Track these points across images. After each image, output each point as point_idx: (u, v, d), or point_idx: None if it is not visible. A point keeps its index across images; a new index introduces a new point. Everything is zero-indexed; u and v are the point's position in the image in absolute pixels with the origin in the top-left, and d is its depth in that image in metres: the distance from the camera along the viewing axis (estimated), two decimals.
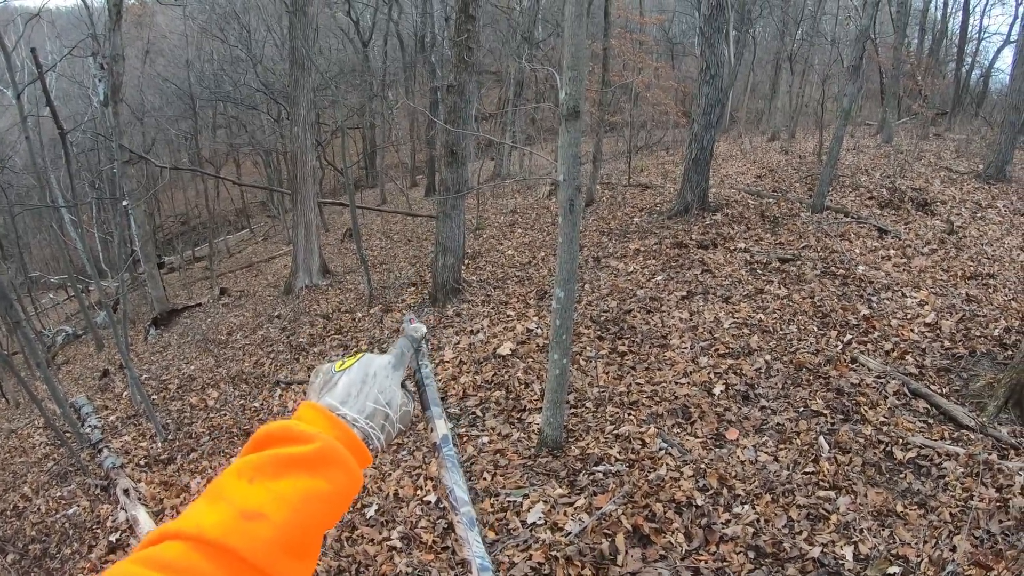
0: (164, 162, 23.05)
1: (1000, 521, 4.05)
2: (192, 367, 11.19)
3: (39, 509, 7.62)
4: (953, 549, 3.88)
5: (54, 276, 25.77)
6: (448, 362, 7.67)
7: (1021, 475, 4.40)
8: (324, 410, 0.87)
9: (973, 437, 4.99)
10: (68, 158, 9.74)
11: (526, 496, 4.76)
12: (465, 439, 5.93)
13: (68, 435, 8.51)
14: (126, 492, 6.22)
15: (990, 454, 4.72)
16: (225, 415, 8.59)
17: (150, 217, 25.63)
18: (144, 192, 19.20)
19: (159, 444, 8.18)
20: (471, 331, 8.44)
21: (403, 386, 0.98)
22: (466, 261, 11.41)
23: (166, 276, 22.41)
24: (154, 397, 9.98)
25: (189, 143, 33.00)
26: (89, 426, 8.28)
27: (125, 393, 10.55)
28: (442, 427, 1.09)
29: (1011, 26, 26.13)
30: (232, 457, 6.77)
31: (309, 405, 0.88)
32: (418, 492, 5.23)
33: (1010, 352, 6.11)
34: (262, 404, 8.41)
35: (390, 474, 5.60)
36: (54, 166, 21.97)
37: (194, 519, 0.68)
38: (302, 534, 0.71)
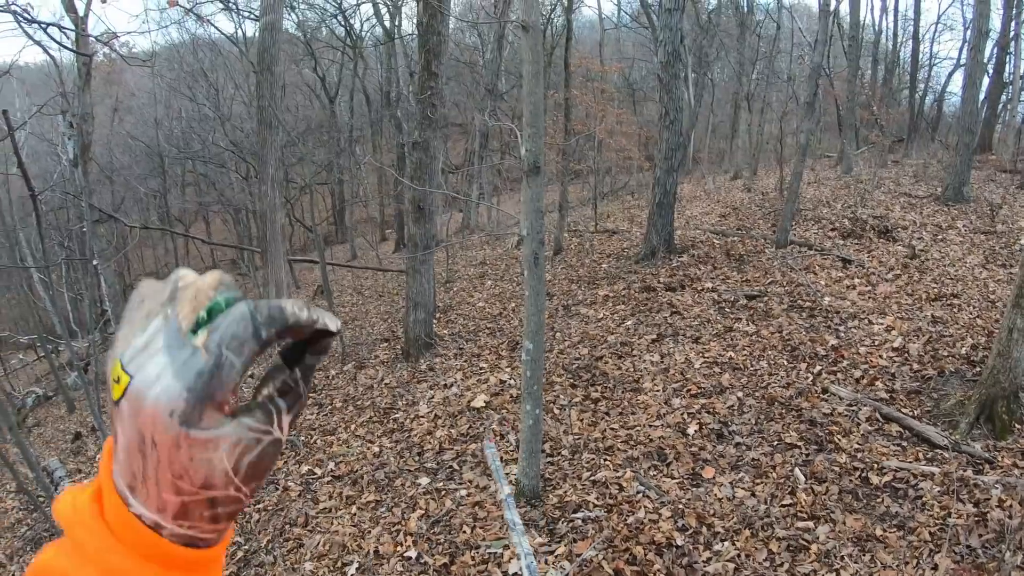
0: (134, 221, 23.04)
1: (980, 535, 4.11)
2: None
3: (13, 575, 7.45)
4: (935, 567, 3.92)
5: (23, 336, 25.40)
6: (423, 416, 7.65)
7: (997, 488, 4.47)
8: (117, 500, 0.54)
9: (947, 455, 5.05)
10: (39, 219, 9.69)
11: (506, 547, 4.74)
12: (443, 493, 5.90)
13: (41, 499, 8.34)
14: None
15: (965, 470, 4.79)
16: None
17: (120, 276, 25.44)
18: (114, 251, 19.13)
19: None
20: (445, 385, 8.43)
21: (234, 415, 0.53)
22: (437, 315, 11.42)
23: None
24: None
25: (158, 201, 32.98)
26: (62, 490, 8.13)
27: (98, 456, 10.37)
28: None
29: (960, 50, 26.94)
30: None
31: (107, 472, 0.55)
32: (398, 548, 5.19)
33: (978, 369, 6.21)
34: None
35: (370, 531, 5.55)
36: (23, 224, 21.81)
37: None
38: None
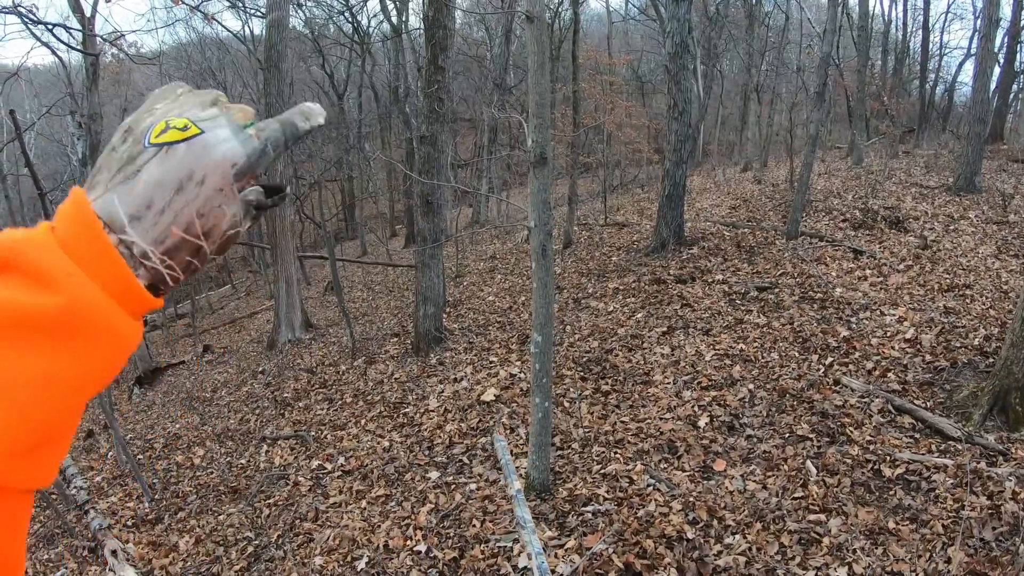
0: None
1: (993, 528, 4.06)
2: (177, 425, 11.08)
3: (27, 572, 7.48)
4: (948, 560, 3.88)
5: None
6: (433, 411, 7.65)
7: (1011, 480, 4.42)
8: (96, 226, 0.54)
9: (960, 447, 5.00)
10: (48, 219, 9.75)
11: (515, 541, 4.72)
12: (453, 487, 5.89)
13: (54, 497, 8.38)
14: (114, 553, 6.12)
15: (978, 462, 4.74)
16: (212, 473, 8.49)
17: None
18: None
19: (146, 504, 8.07)
20: (455, 379, 8.42)
21: (243, 197, 0.62)
22: (447, 309, 11.43)
23: (149, 334, 22.23)
24: (140, 457, 9.86)
25: None
26: (75, 487, 8.15)
27: (110, 453, 10.42)
28: None
29: (971, 39, 26.73)
30: (220, 517, 6.73)
31: (76, 200, 0.55)
32: (408, 542, 5.18)
33: (991, 360, 6.15)
34: (248, 461, 8.33)
35: (379, 525, 5.55)
36: (33, 224, 21.94)
37: None
38: (29, 432, 0.49)
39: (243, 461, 8.48)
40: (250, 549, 5.98)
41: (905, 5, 28.66)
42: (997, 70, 19.05)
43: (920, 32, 26.63)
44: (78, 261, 0.51)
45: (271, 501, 6.80)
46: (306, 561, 5.44)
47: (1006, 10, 18.34)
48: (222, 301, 28.22)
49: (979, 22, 17.80)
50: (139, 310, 0.55)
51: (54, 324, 0.49)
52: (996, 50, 17.23)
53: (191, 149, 0.57)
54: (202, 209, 0.57)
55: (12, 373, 0.47)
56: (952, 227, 11.18)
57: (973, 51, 22.36)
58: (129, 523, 7.72)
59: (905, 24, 28.62)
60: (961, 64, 29.26)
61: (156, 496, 8.29)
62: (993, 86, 17.80)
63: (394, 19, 26.11)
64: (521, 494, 4.22)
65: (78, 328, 0.50)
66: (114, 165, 0.58)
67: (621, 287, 10.48)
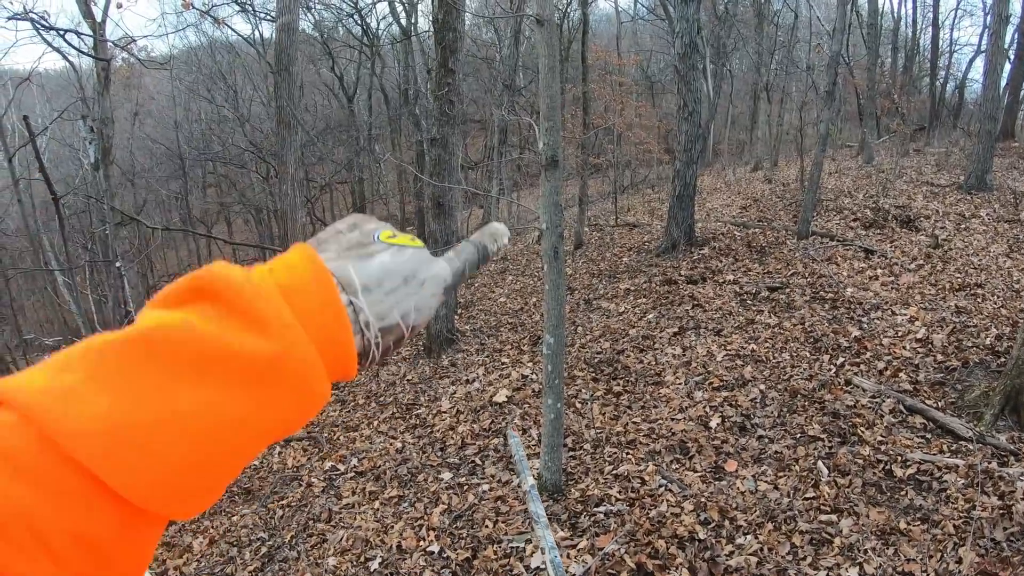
0: (156, 223, 23.22)
1: (1004, 528, 4.06)
2: None
3: None
4: (959, 561, 3.89)
5: (49, 338, 25.70)
6: (445, 412, 7.69)
7: (1022, 481, 4.42)
8: (330, 280, 0.56)
9: (972, 447, 5.00)
10: (62, 223, 9.83)
11: (528, 541, 4.75)
12: (465, 488, 5.93)
13: None
14: None
15: (990, 462, 4.74)
16: None
17: (144, 278, 25.67)
18: (137, 253, 19.30)
19: None
20: (467, 380, 8.45)
21: None
22: (459, 311, 11.46)
23: None
24: None
25: (180, 203, 33.18)
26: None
27: None
28: None
29: (981, 36, 26.64)
30: (234, 518, 6.77)
31: (308, 255, 0.57)
32: (421, 543, 5.22)
33: (1003, 360, 6.14)
34: (262, 462, 8.37)
35: (392, 526, 5.59)
36: (46, 228, 22.05)
37: (34, 386, 0.44)
38: (204, 472, 0.48)
39: (256, 463, 8.53)
40: (264, 550, 6.02)
41: (915, 2, 28.75)
42: (1008, 66, 18.99)
43: (930, 29, 26.55)
44: (299, 311, 0.52)
45: (284, 502, 6.84)
46: (319, 561, 5.48)
47: (1016, 6, 18.41)
48: None
49: (989, 18, 17.72)
50: (339, 374, 0.56)
51: (261, 371, 0.48)
52: (1006, 46, 17.18)
53: (417, 255, 0.64)
54: (419, 305, 0.63)
55: (208, 413, 0.46)
56: (963, 226, 11.15)
57: (983, 48, 22.29)
58: None
59: (915, 21, 28.53)
60: (971, 61, 29.19)
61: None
62: (1004, 83, 17.75)
63: (403, 21, 26.15)
64: (535, 489, 4.25)
65: (282, 380, 0.49)
66: (343, 244, 0.62)
67: (632, 288, 10.50)
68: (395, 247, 0.63)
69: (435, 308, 0.66)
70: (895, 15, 29.36)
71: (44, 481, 0.42)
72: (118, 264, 15.01)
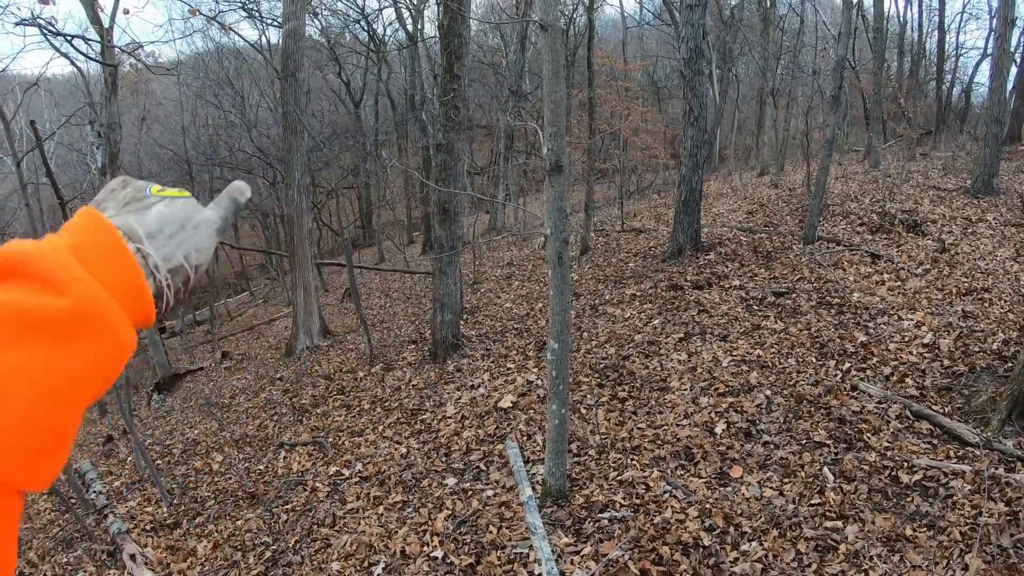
0: None
1: (1011, 535, 4.04)
2: (196, 431, 11.16)
3: (45, 575, 7.55)
4: (965, 568, 3.87)
5: None
6: (450, 417, 7.68)
7: None
8: (115, 233, 0.61)
9: (978, 453, 4.97)
10: None
11: (531, 547, 4.74)
12: (470, 493, 5.92)
13: (73, 501, 8.46)
14: (132, 557, 6.22)
15: (996, 468, 4.71)
16: (230, 479, 8.55)
17: None
18: None
19: (165, 509, 8.13)
20: (472, 386, 8.45)
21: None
22: (464, 316, 11.46)
23: (168, 341, 22.40)
24: (159, 462, 9.94)
25: None
26: (94, 492, 8.25)
27: (129, 459, 10.51)
28: None
29: (987, 39, 26.50)
30: (238, 522, 6.78)
31: (92, 215, 0.62)
32: (425, 548, 5.21)
33: (1010, 364, 6.11)
34: (266, 466, 8.38)
35: (396, 531, 5.58)
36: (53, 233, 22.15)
37: None
38: (30, 431, 0.50)
39: (261, 467, 8.54)
40: (268, 554, 6.02)
41: (920, 6, 28.53)
42: (1014, 70, 18.94)
43: (936, 33, 26.43)
44: (89, 265, 0.56)
45: (289, 507, 6.84)
46: (323, 566, 5.48)
47: (1022, 9, 18.24)
48: (240, 308, 28.44)
49: (995, 22, 17.72)
50: (140, 316, 0.61)
51: (60, 325, 0.51)
52: (1012, 50, 17.17)
53: (187, 204, 0.72)
54: (198, 245, 0.71)
55: (19, 373, 0.49)
56: (970, 230, 11.11)
57: (989, 51, 22.21)
58: (148, 527, 7.78)
59: (920, 25, 28.47)
60: (977, 64, 29.04)
61: (174, 501, 8.36)
62: (1010, 86, 17.69)
63: (409, 27, 26.27)
64: (533, 501, 4.25)
65: (83, 330, 0.53)
66: (120, 200, 0.68)
67: (638, 293, 10.49)
68: (167, 198, 0.71)
69: (212, 248, 0.74)
70: (901, 19, 29.30)
71: None
72: None
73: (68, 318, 0.52)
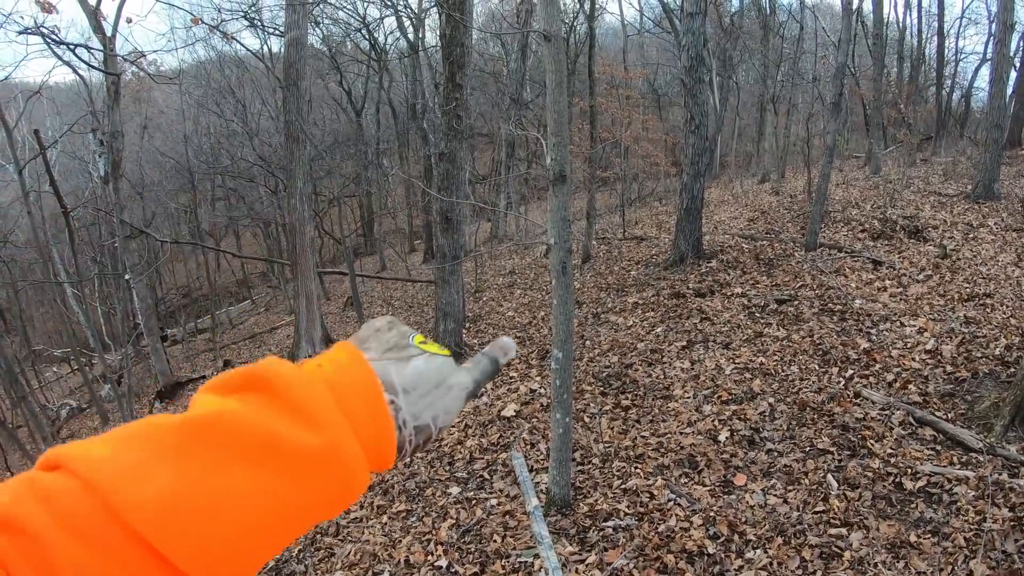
0: (165, 236, 23.43)
1: (1016, 540, 4.04)
2: None
3: None
4: (970, 573, 3.87)
5: (57, 350, 25.78)
6: (454, 426, 7.68)
7: None
8: (375, 379, 0.61)
9: (982, 459, 4.97)
10: (71, 235, 9.91)
11: (536, 556, 4.74)
12: (474, 502, 5.92)
13: None
14: None
15: (1000, 474, 4.71)
16: None
17: (152, 290, 25.76)
18: (146, 266, 19.42)
19: None
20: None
21: None
22: (467, 325, 11.47)
23: (169, 349, 22.43)
24: None
25: (189, 216, 33.39)
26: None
27: None
28: None
29: (986, 44, 26.56)
30: None
31: (355, 354, 0.63)
32: (429, 557, 5.21)
33: (1013, 370, 6.11)
34: None
35: (400, 540, 5.59)
36: (56, 240, 22.21)
37: (96, 457, 0.48)
38: (255, 552, 0.51)
39: None
40: (271, 563, 6.02)
41: (920, 11, 28.55)
42: (1013, 74, 18.95)
43: (935, 38, 26.46)
44: (344, 405, 0.57)
45: None
46: (327, 575, 5.49)
47: (1021, 14, 18.28)
48: (242, 316, 28.44)
49: (994, 26, 17.74)
50: (378, 466, 0.61)
51: (305, 463, 0.52)
52: (1012, 54, 17.15)
53: (446, 363, 0.69)
54: (447, 408, 0.68)
55: (260, 495, 0.50)
56: (971, 235, 11.12)
57: (989, 56, 22.26)
58: None
59: (920, 31, 28.46)
60: (977, 69, 29.04)
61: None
62: (1010, 91, 17.70)
63: (411, 36, 26.30)
64: (539, 511, 4.25)
65: (328, 471, 0.54)
66: (382, 345, 0.68)
67: (640, 301, 10.49)
68: (428, 354, 0.69)
69: (458, 412, 0.70)
70: (900, 25, 29.32)
71: (106, 547, 0.45)
72: (127, 277, 15.11)
73: (316, 458, 0.53)
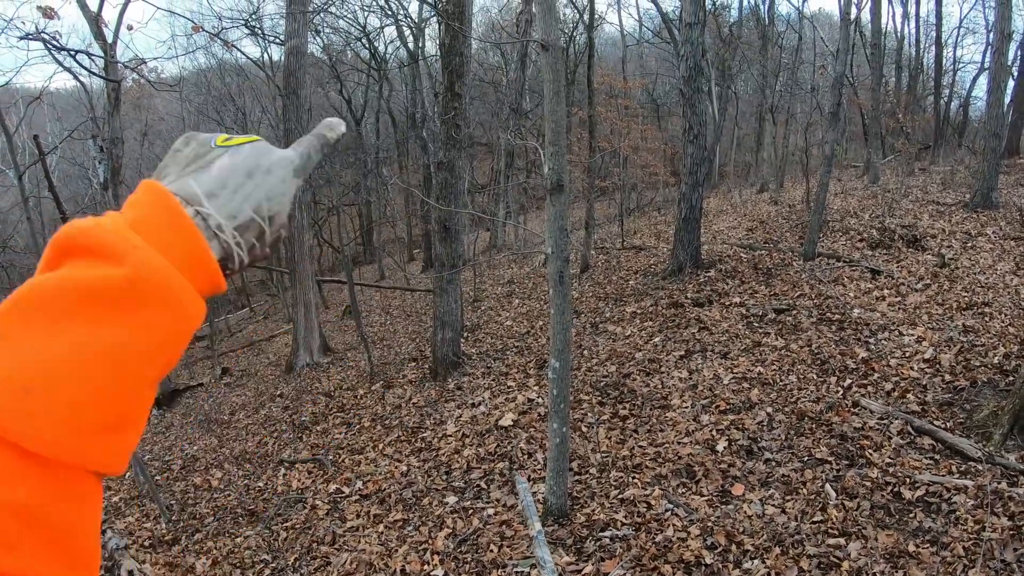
0: None
1: (1015, 549, 4.02)
2: (195, 447, 11.14)
3: None
4: None
5: None
6: (451, 436, 7.67)
7: None
8: (171, 201, 0.58)
9: (981, 468, 4.96)
10: None
11: (533, 566, 4.72)
12: (471, 512, 5.90)
13: None
14: (131, 573, 6.18)
15: (999, 483, 4.70)
16: (229, 495, 8.53)
17: None
18: None
19: (163, 525, 8.10)
20: (472, 404, 8.44)
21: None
22: (465, 334, 11.46)
23: None
24: (158, 478, 9.91)
25: None
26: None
27: (128, 474, 10.47)
28: None
29: (984, 54, 26.60)
30: (237, 539, 6.76)
31: (151, 188, 0.59)
32: (425, 567, 5.19)
33: (1011, 378, 6.10)
34: (266, 484, 8.36)
35: (397, 550, 5.56)
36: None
37: None
38: (101, 408, 0.49)
39: (261, 484, 8.52)
40: (267, 572, 6.00)
41: (918, 21, 28.64)
42: (1011, 83, 19.01)
43: (933, 48, 26.56)
44: (148, 234, 0.54)
45: (288, 524, 6.83)
46: None
47: (1019, 23, 18.38)
48: (240, 324, 28.39)
49: (992, 36, 17.81)
50: (207, 284, 0.58)
51: (119, 294, 0.50)
52: (1010, 64, 17.23)
53: (255, 148, 0.67)
54: (270, 193, 0.65)
55: (82, 348, 0.48)
56: (970, 244, 11.12)
57: (987, 65, 22.32)
58: (146, 544, 7.76)
59: (918, 40, 28.54)
60: (975, 78, 29.11)
61: (173, 517, 8.33)
62: (1008, 100, 17.75)
63: (411, 45, 26.38)
64: (542, 535, 4.23)
65: (143, 298, 0.51)
66: (181, 161, 0.64)
67: (639, 311, 10.49)
68: (232, 148, 0.65)
69: (291, 192, 0.68)
70: (898, 35, 29.35)
71: None
72: None
73: (126, 286, 0.50)
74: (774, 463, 5.60)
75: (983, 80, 23.72)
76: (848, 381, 6.79)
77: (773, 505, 4.98)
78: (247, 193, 0.63)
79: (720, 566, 4.34)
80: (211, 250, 0.59)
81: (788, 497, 5.06)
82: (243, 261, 0.64)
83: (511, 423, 7.49)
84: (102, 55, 13.64)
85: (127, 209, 0.57)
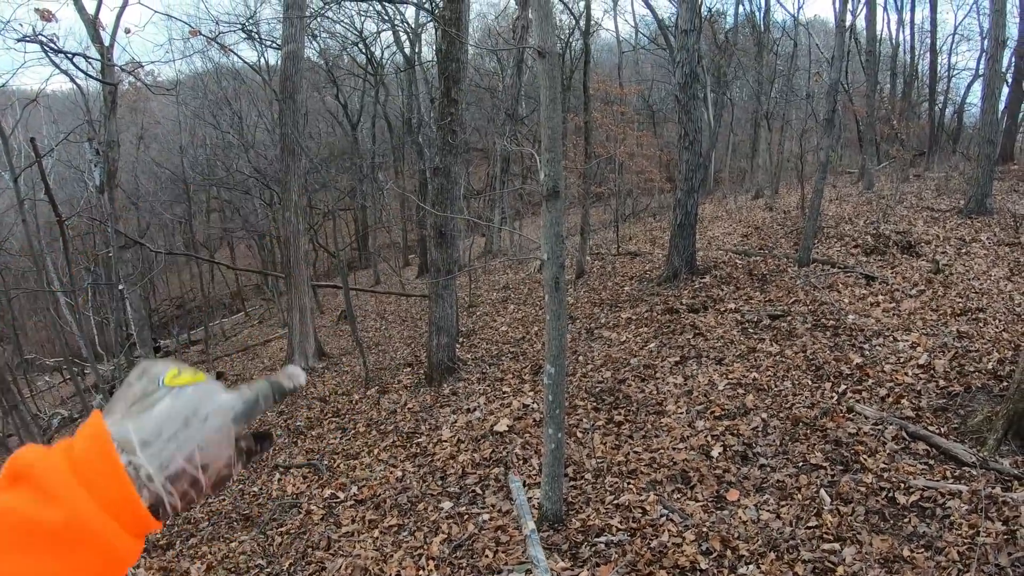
0: (159, 246, 23.42)
1: (1009, 553, 4.03)
2: None
3: None
4: None
5: (50, 359, 25.66)
6: (446, 441, 7.67)
7: None
8: (108, 448, 0.61)
9: (975, 473, 4.97)
10: (66, 244, 9.88)
11: (528, 572, 4.72)
12: (466, 517, 5.90)
13: None
14: None
15: (993, 488, 4.71)
16: (224, 500, 8.50)
17: (146, 301, 25.67)
18: (140, 276, 19.39)
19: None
20: (468, 409, 8.44)
21: (235, 443, 0.71)
22: (460, 339, 11.46)
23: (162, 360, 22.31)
24: None
25: (183, 227, 33.42)
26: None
27: None
28: None
29: (978, 60, 26.76)
30: (232, 544, 6.74)
31: (97, 428, 0.62)
32: (420, 572, 5.18)
33: (1005, 384, 6.11)
34: (261, 488, 8.34)
35: (392, 555, 5.56)
36: (50, 249, 22.16)
37: None
38: None
39: (255, 489, 8.50)
40: None
41: (912, 28, 28.77)
42: (1005, 90, 19.10)
43: (928, 54, 26.71)
44: (85, 479, 0.58)
45: (283, 529, 6.81)
46: None
47: (1013, 30, 18.38)
48: (235, 328, 28.38)
49: (986, 43, 17.86)
50: (138, 528, 0.61)
51: (55, 536, 0.55)
52: (1004, 70, 17.30)
53: (197, 392, 0.68)
54: (203, 444, 0.66)
55: (16, 573, 0.52)
56: (964, 250, 11.16)
57: (981, 72, 22.42)
58: None
59: (913, 47, 28.65)
60: (969, 85, 29.22)
61: (167, 522, 8.29)
62: (1002, 106, 17.83)
63: (407, 51, 26.42)
64: (535, 534, 4.23)
65: (77, 540, 0.56)
66: (130, 398, 0.67)
67: (634, 317, 10.50)
68: (176, 389, 0.67)
69: (227, 440, 0.69)
70: (893, 41, 29.51)
71: None
72: (121, 287, 15.08)
73: (65, 532, 0.55)
74: (769, 468, 5.61)
75: (977, 87, 23.87)
76: (843, 387, 6.81)
77: (768, 510, 4.99)
78: (180, 442, 0.65)
79: (715, 571, 4.34)
80: (141, 499, 0.61)
81: (783, 502, 5.07)
82: (176, 507, 0.66)
83: (506, 428, 7.49)
84: (99, 58, 13.65)
85: (77, 441, 0.61)
